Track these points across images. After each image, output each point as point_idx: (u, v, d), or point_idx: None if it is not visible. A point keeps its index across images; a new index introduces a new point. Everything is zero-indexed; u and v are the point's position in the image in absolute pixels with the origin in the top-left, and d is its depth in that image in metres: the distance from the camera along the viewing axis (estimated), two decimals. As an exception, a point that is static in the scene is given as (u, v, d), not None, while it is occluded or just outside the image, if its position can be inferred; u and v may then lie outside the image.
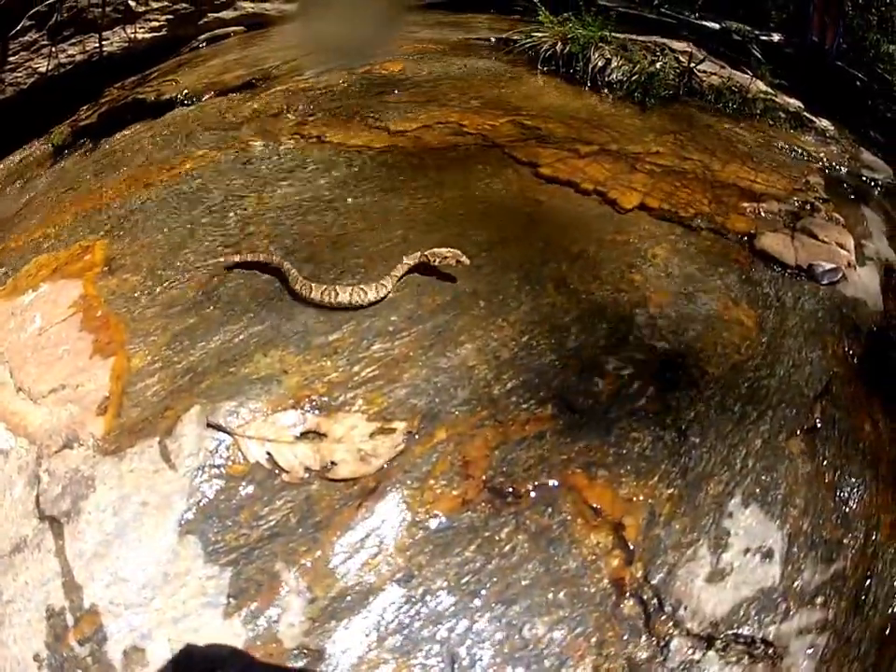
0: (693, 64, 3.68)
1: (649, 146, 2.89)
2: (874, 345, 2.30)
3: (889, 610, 1.67)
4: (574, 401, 1.57)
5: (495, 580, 1.11)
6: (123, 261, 2.11)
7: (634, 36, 3.89)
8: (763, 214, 2.61)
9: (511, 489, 1.24)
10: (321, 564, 1.11)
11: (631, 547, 1.27)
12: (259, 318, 1.77)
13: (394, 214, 2.29)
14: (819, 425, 1.79)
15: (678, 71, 3.67)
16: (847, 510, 1.69)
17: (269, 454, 1.25)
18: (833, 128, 3.70)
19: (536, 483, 1.28)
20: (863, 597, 1.63)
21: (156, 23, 3.92)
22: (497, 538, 1.16)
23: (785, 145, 3.44)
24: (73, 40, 3.72)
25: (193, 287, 1.94)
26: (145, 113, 3.60)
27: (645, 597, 1.31)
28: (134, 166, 3.05)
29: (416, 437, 1.31)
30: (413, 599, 1.05)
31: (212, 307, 1.83)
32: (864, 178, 3.46)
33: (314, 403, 1.42)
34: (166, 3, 3.90)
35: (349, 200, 2.37)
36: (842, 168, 3.42)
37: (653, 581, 1.35)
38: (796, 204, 2.78)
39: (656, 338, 1.89)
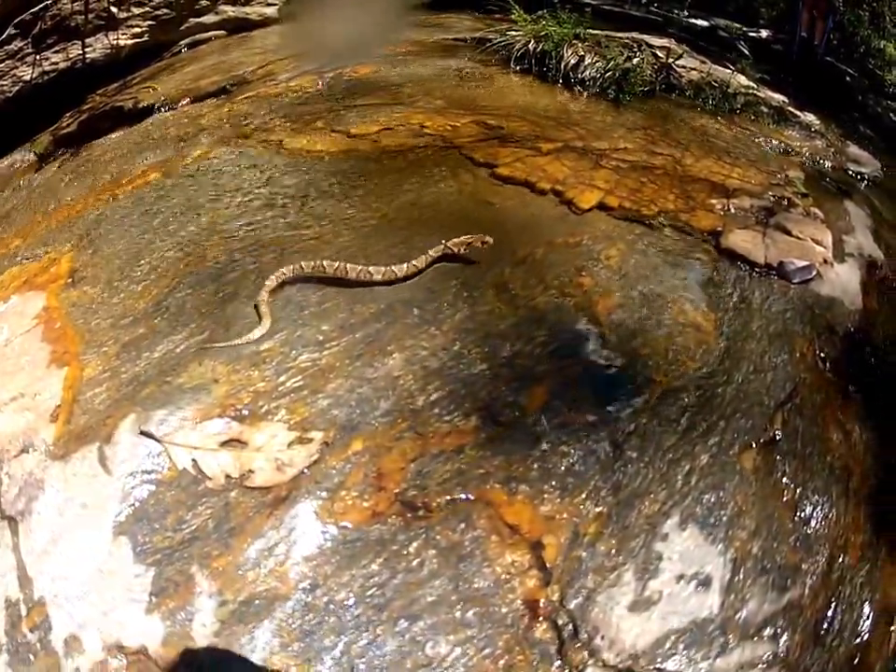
0: (671, 60, 3.46)
1: (617, 142, 2.69)
2: (850, 347, 2.07)
3: (858, 639, 1.47)
4: (500, 413, 1.44)
5: (400, 594, 1.05)
6: (85, 273, 2.08)
7: (612, 33, 3.69)
8: (733, 210, 2.40)
9: (422, 503, 1.17)
10: (232, 568, 1.10)
11: (549, 568, 1.15)
12: (200, 328, 1.73)
13: (342, 221, 2.17)
14: (778, 436, 1.59)
15: (655, 67, 3.46)
16: (809, 531, 1.48)
17: (194, 461, 1.25)
18: (818, 122, 3.46)
19: (449, 498, 1.20)
20: (825, 626, 1.43)
21: (138, 29, 3.83)
22: (405, 552, 1.10)
23: (766, 139, 3.21)
24: (56, 48, 3.63)
25: (145, 298, 1.90)
26: (123, 121, 3.49)
27: (560, 622, 1.17)
28: (105, 176, 2.95)
29: (332, 447, 1.27)
30: (317, 608, 1.02)
31: (159, 318, 1.80)
32: (850, 172, 3.21)
33: (238, 412, 1.40)
34: (148, 9, 3.81)
35: (302, 207, 2.27)
36: (826, 162, 3.18)
37: (569, 606, 1.20)
38: (771, 200, 2.55)
39: (598, 345, 1.71)
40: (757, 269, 2.11)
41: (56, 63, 3.65)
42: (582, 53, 3.27)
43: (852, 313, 2.17)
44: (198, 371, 1.55)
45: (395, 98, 3.01)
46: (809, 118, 3.46)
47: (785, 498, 1.50)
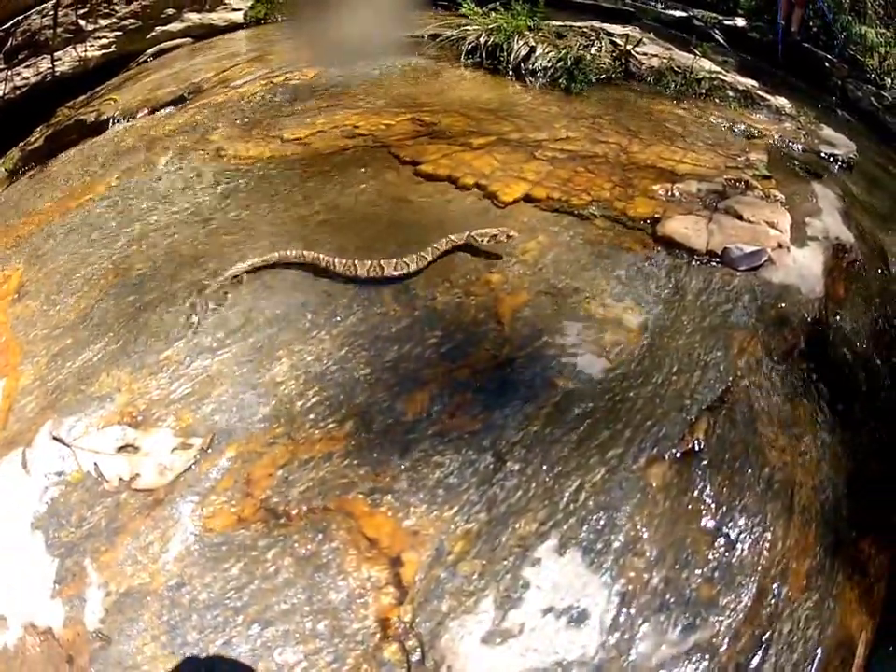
0: (630, 47, 3.19)
1: (558, 132, 2.44)
2: (807, 340, 1.78)
3: (802, 683, 1.19)
4: (374, 420, 1.31)
5: (256, 600, 1.02)
6: (30, 288, 2.06)
7: (571, 23, 3.44)
8: (677, 195, 2.12)
9: (283, 510, 1.12)
10: (115, 563, 1.14)
11: (405, 586, 1.04)
12: (116, 338, 1.70)
13: (262, 225, 2.04)
14: (700, 446, 1.31)
15: (614, 55, 3.19)
16: (732, 559, 1.20)
17: (96, 464, 1.33)
18: (790, 105, 3.12)
19: (309, 507, 1.13)
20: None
21: (105, 41, 3.75)
22: (263, 558, 1.07)
23: (730, 123, 2.90)
24: (27, 63, 3.58)
25: (75, 310, 1.87)
26: (85, 134, 3.40)
27: (408, 645, 1.04)
28: (61, 191, 2.86)
29: (208, 453, 1.26)
30: (182, 605, 1.03)
31: (83, 329, 1.77)
32: (822, 154, 2.87)
33: (134, 419, 1.42)
34: (115, 19, 3.74)
35: (228, 214, 2.15)
36: (796, 145, 2.85)
37: (420, 630, 1.06)
38: (725, 183, 2.26)
39: (496, 346, 1.49)
40: (697, 257, 1.83)
41: (27, 78, 3.59)
42: (533, 44, 3.03)
43: (811, 301, 1.86)
44: (106, 380, 1.55)
45: (337, 100, 2.82)
46: (780, 101, 3.13)
47: (703, 521, 1.22)
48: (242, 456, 1.26)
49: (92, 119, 3.48)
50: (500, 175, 2.12)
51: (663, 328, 1.57)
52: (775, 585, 1.21)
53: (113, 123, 3.31)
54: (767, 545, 1.23)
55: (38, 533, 1.26)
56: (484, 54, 3.09)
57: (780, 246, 1.99)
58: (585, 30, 3.31)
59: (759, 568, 1.21)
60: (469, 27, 3.20)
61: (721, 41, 4.12)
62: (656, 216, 1.97)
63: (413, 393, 1.39)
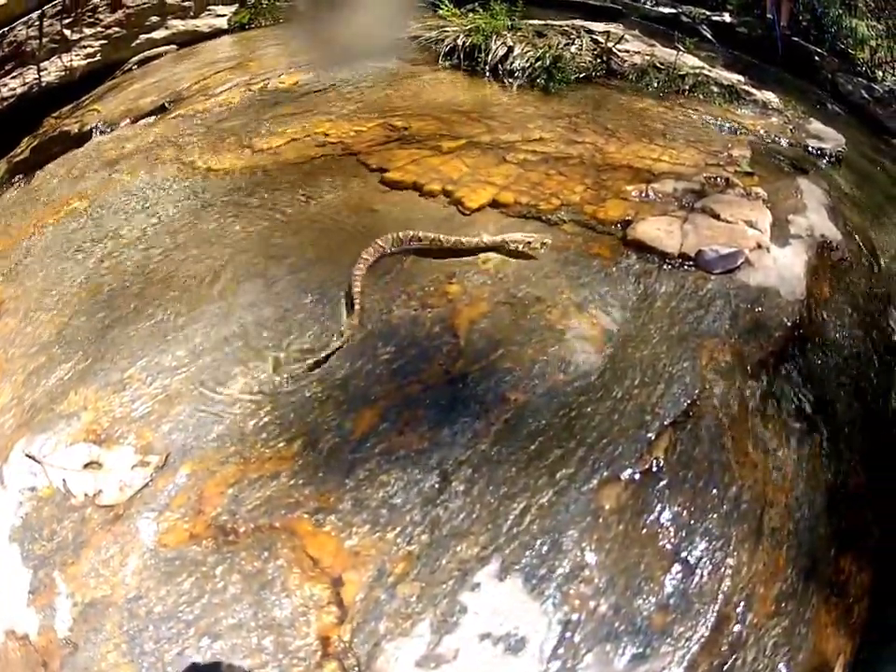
0: (611, 44, 3.08)
1: (532, 133, 2.34)
2: (786, 345, 1.67)
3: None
4: (321, 439, 1.27)
5: (206, 613, 1.05)
6: (9, 305, 2.03)
7: (552, 21, 3.33)
8: (651, 196, 2.01)
9: (232, 528, 1.13)
10: (80, 575, 1.17)
11: (345, 606, 1.03)
12: (85, 356, 1.67)
13: (225, 239, 1.99)
14: (659, 465, 1.22)
15: (595, 52, 3.09)
16: (690, 585, 1.11)
17: (64, 480, 1.37)
18: (776, 100, 2.99)
19: (255, 525, 1.14)
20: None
21: (90, 50, 3.67)
22: (213, 574, 1.09)
23: (714, 119, 2.78)
24: (14, 73, 3.50)
25: (50, 328, 1.83)
26: (69, 145, 3.36)
27: (347, 664, 1.03)
28: (40, 206, 2.84)
29: (164, 470, 1.29)
30: (139, 617, 1.06)
31: (57, 347, 1.74)
32: (810, 149, 2.74)
33: (98, 437, 1.43)
34: (99, 28, 3.66)
35: (196, 228, 2.09)
36: (782, 140, 2.73)
37: (358, 650, 1.04)
38: (703, 181, 2.16)
39: (449, 360, 1.41)
40: (669, 260, 1.73)
41: (14, 89, 3.51)
42: (511, 44, 2.93)
43: (791, 304, 1.75)
44: (74, 398, 1.54)
45: (312, 106, 2.75)
46: (767, 96, 3.00)
47: (659, 545, 1.13)
48: (195, 474, 1.27)
49: (76, 130, 3.43)
50: (468, 181, 2.03)
51: (627, 337, 1.48)
52: (738, 612, 1.12)
53: (95, 134, 3.28)
54: (730, 570, 1.14)
55: (15, 545, 1.30)
56: (462, 56, 3.00)
57: (759, 247, 1.88)
58: (566, 28, 3.20)
59: (720, 595, 1.11)
60: (447, 28, 3.11)
61: (709, 37, 3.98)
62: (628, 218, 1.87)
63: (361, 411, 1.34)
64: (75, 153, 3.18)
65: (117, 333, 1.69)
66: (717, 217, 1.96)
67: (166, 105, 3.28)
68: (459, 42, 3.01)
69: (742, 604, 1.14)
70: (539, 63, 2.86)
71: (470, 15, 3.12)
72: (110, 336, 1.69)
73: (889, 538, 1.60)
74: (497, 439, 1.26)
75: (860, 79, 3.36)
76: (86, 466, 1.37)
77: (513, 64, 2.89)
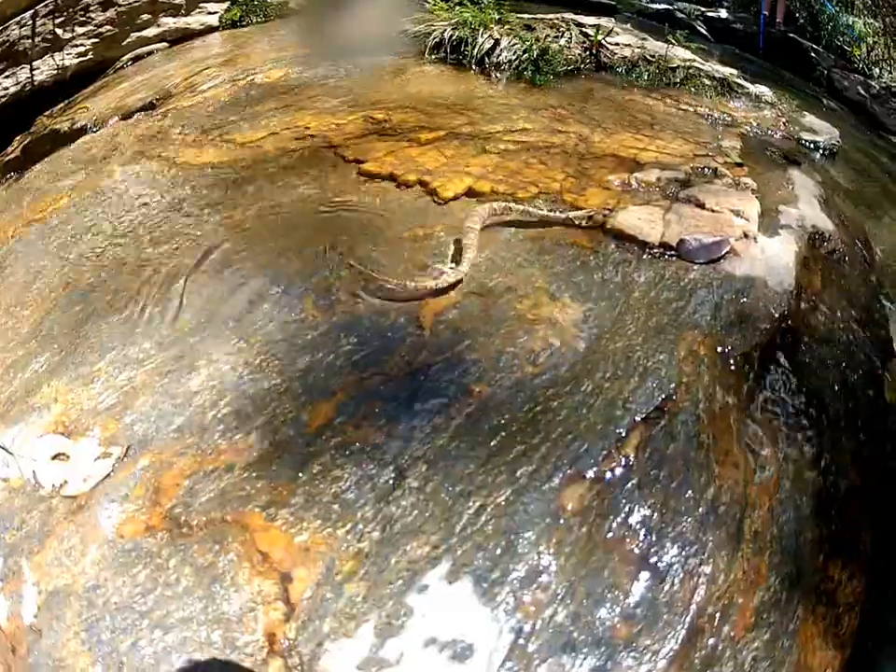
0: (601, 37, 2.98)
1: (515, 123, 2.24)
2: (772, 338, 1.55)
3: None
4: (278, 431, 1.23)
5: (159, 605, 1.04)
6: None
7: (542, 15, 3.24)
8: (634, 185, 1.91)
9: (185, 520, 1.12)
10: (44, 564, 1.17)
11: (293, 602, 0.99)
12: (59, 349, 1.65)
13: (199, 232, 1.93)
14: (628, 464, 1.11)
15: (584, 45, 2.99)
16: (660, 594, 1.00)
17: (34, 471, 1.37)
18: (770, 93, 2.88)
19: (208, 518, 1.11)
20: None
21: (82, 48, 3.63)
22: (166, 566, 1.07)
23: (706, 111, 2.67)
24: (7, 73, 3.48)
25: (29, 322, 1.81)
26: (59, 143, 3.32)
27: (291, 663, 0.98)
28: (29, 203, 2.79)
29: (125, 462, 1.27)
30: (97, 606, 1.06)
31: (35, 341, 1.72)
32: (804, 141, 2.63)
33: (66, 429, 1.42)
34: (91, 27, 3.62)
35: (173, 222, 2.03)
36: (775, 132, 2.62)
37: (301, 649, 0.99)
38: (689, 171, 2.05)
39: (412, 351, 1.32)
40: (649, 250, 1.62)
41: (7, 88, 3.49)
42: (498, 37, 2.84)
43: (780, 295, 1.63)
44: (47, 391, 1.53)
45: (295, 101, 2.67)
46: (760, 89, 2.88)
47: (626, 550, 1.02)
48: (154, 466, 1.25)
49: (66, 129, 3.38)
50: (445, 171, 1.93)
51: (601, 328, 1.37)
52: (713, 623, 1.01)
53: (85, 132, 3.24)
54: (705, 578, 1.03)
55: (-12, 534, 1.30)
56: (449, 49, 2.91)
57: (746, 236, 1.76)
58: (556, 21, 3.11)
59: (693, 605, 1.00)
60: (434, 22, 3.03)
61: (704, 32, 3.88)
62: (609, 207, 1.77)
63: (319, 403, 1.28)
64: (63, 151, 3.13)
65: (90, 327, 1.67)
66: (702, 206, 1.85)
67: (154, 101, 3.23)
68: (446, 36, 2.92)
69: (718, 615, 1.02)
70: (526, 55, 2.76)
71: (457, 9, 3.03)
72: (84, 330, 1.66)
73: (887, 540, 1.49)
74: (457, 433, 1.17)
75: (856, 76, 3.26)
76: (54, 457, 1.38)
77: (500, 57, 2.80)
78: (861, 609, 1.31)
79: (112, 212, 2.21)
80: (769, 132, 2.60)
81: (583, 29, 3.03)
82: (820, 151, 2.59)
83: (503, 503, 1.06)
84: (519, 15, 3.14)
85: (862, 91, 3.18)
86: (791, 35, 3.64)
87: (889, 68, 3.47)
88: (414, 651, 0.95)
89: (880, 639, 1.34)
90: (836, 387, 1.62)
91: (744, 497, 1.15)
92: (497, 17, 2.98)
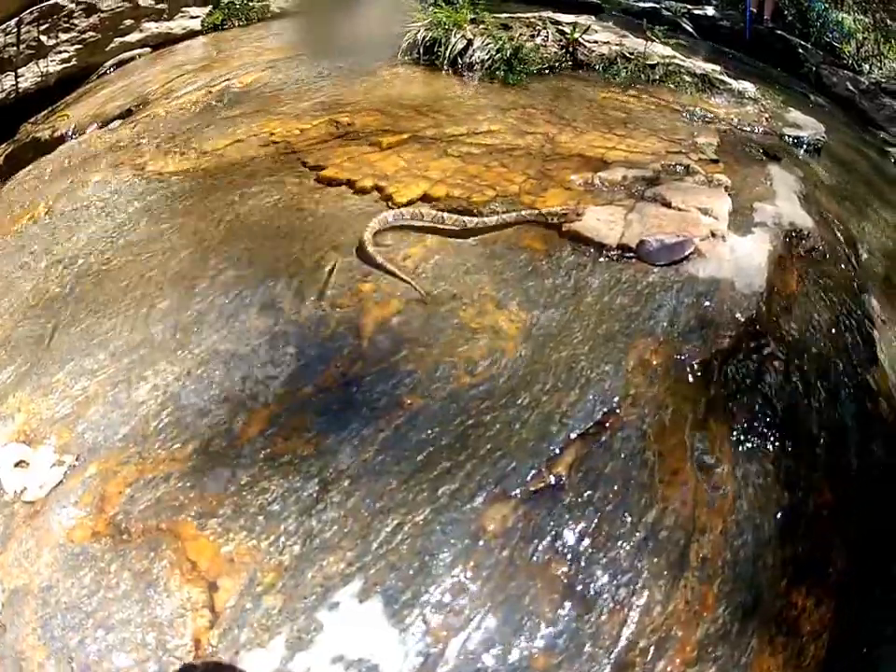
0: (577, 35, 2.90)
1: (480, 125, 2.17)
2: (736, 344, 1.45)
3: None
4: (212, 442, 1.24)
5: (102, 606, 1.08)
6: None
7: (520, 14, 3.17)
8: (597, 185, 1.82)
9: (125, 527, 1.16)
10: (6, 564, 1.21)
11: (217, 611, 1.02)
12: (25, 360, 1.66)
13: (157, 244, 1.91)
14: (559, 483, 1.03)
15: (561, 44, 2.91)
16: (586, 624, 0.92)
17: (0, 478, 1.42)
18: (753, 89, 2.77)
19: (145, 526, 1.16)
20: None
21: (66, 54, 3.63)
22: (108, 570, 1.12)
23: (683, 108, 2.58)
24: None
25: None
26: (41, 151, 3.30)
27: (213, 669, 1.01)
28: (6, 214, 2.79)
29: (76, 469, 1.31)
30: (50, 605, 1.11)
31: (3, 352, 1.72)
32: (787, 137, 2.52)
33: (27, 437, 1.45)
34: (75, 33, 3.62)
35: (138, 232, 2.01)
36: (756, 128, 2.51)
37: (221, 656, 1.01)
38: (658, 169, 1.95)
39: (347, 362, 1.28)
40: (606, 252, 1.53)
41: None
42: (471, 37, 2.77)
43: (748, 297, 1.53)
44: (11, 401, 1.56)
45: (264, 106, 2.62)
46: (743, 85, 2.77)
47: (551, 575, 0.94)
48: (101, 474, 1.29)
49: (48, 137, 3.36)
50: (403, 176, 1.86)
51: (547, 336, 1.29)
52: (645, 658, 0.92)
53: (65, 140, 3.23)
54: (638, 609, 0.94)
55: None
56: (422, 50, 2.85)
57: (713, 235, 1.67)
58: (532, 20, 3.03)
59: (623, 638, 0.91)
60: (409, 24, 2.97)
61: (690, 30, 3.78)
62: (570, 208, 1.68)
63: (252, 415, 1.27)
64: (43, 160, 3.12)
65: (55, 338, 1.68)
66: (668, 204, 1.75)
67: (132, 108, 3.22)
68: (419, 37, 2.86)
69: (652, 649, 0.93)
70: (499, 55, 2.69)
71: (431, 9, 2.97)
72: (47, 342, 1.67)
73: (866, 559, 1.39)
74: (383, 447, 1.13)
75: (845, 72, 3.15)
76: (16, 465, 1.43)
77: (473, 57, 2.72)
78: (831, 635, 1.20)
79: (82, 223, 2.19)
80: (750, 127, 2.49)
81: (560, 27, 2.95)
82: (804, 147, 2.47)
83: (421, 522, 1.01)
84: (496, 14, 3.06)
85: (851, 87, 3.07)
86: (780, 32, 3.53)
87: (878, 64, 3.36)
88: (321, 667, 0.93)
89: (853, 666, 1.24)
90: (810, 396, 1.51)
91: (691, 520, 1.06)
92: (471, 17, 2.91)
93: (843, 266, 1.99)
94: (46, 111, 3.66)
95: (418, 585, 0.97)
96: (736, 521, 1.13)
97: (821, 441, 1.44)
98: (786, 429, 1.37)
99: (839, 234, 2.11)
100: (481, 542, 0.99)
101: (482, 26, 2.87)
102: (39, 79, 3.61)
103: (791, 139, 2.49)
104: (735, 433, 1.27)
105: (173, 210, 2.07)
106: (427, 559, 0.98)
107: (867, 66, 3.40)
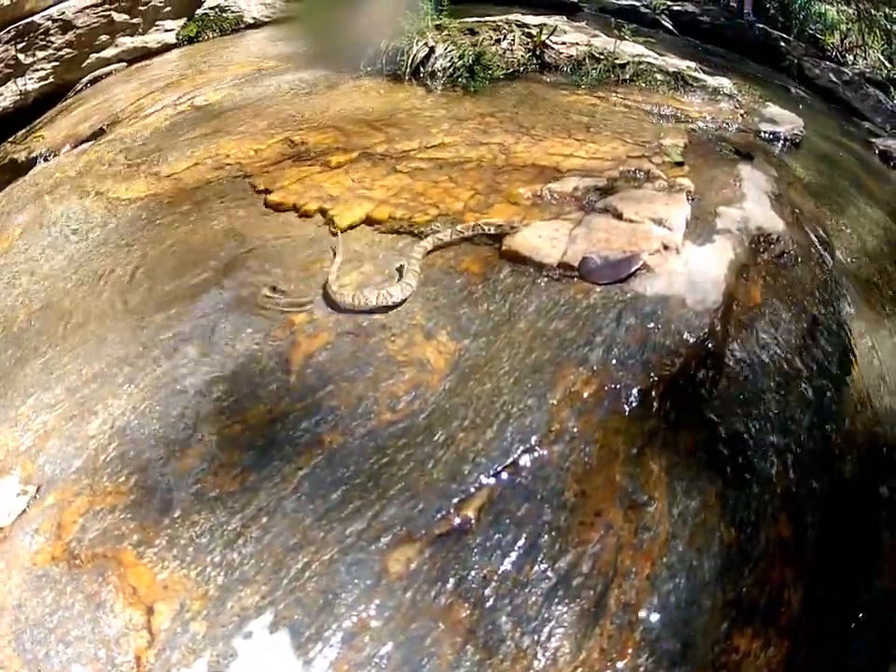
0: (544, 37, 2.84)
1: (434, 138, 2.13)
2: (680, 369, 1.38)
3: None
4: (150, 476, 1.34)
5: (61, 624, 1.19)
6: None
7: (487, 18, 3.12)
8: (547, 197, 1.77)
9: (78, 553, 1.27)
10: None
11: (153, 632, 1.13)
12: None
13: (113, 275, 1.94)
14: (467, 526, 0.99)
15: (528, 47, 2.86)
16: (487, 669, 0.88)
17: None
18: (729, 85, 2.68)
19: (94, 553, 1.26)
20: None
21: (43, 72, 3.67)
22: (65, 591, 1.22)
23: (653, 108, 2.50)
24: None
25: None
26: (18, 173, 3.33)
27: None
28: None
29: (37, 500, 1.41)
30: (20, 622, 1.21)
31: None
32: (763, 133, 2.43)
33: None
34: (51, 50, 3.66)
35: (92, 263, 2.04)
36: (730, 125, 2.43)
37: None
38: (615, 176, 1.89)
39: (275, 398, 1.31)
40: (546, 272, 1.48)
41: None
42: (433, 44, 2.74)
43: (700, 315, 1.46)
44: None
45: (224, 125, 2.61)
46: (718, 81, 2.68)
47: (453, 618, 0.92)
48: (58, 504, 1.38)
49: (23, 158, 3.38)
50: (347, 197, 1.83)
51: (474, 367, 1.25)
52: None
53: (39, 162, 3.27)
54: (544, 657, 0.90)
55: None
56: (385, 60, 2.83)
57: (665, 248, 1.60)
58: (499, 23, 2.98)
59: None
60: (371, 33, 2.95)
61: (669, 26, 3.69)
62: (514, 224, 1.64)
63: (186, 451, 1.34)
64: (18, 184, 3.16)
65: (18, 371, 1.73)
66: (619, 216, 1.69)
67: (104, 127, 3.24)
68: (382, 46, 2.84)
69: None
70: (461, 61, 2.65)
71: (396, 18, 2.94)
72: (14, 373, 1.72)
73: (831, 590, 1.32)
74: (301, 486, 1.18)
75: (828, 63, 3.06)
76: None
77: (435, 65, 2.69)
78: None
79: (47, 251, 2.22)
80: (724, 125, 2.41)
81: (527, 30, 2.90)
82: (781, 142, 2.38)
83: (328, 561, 1.06)
84: (462, 19, 3.02)
85: (834, 78, 2.97)
86: (761, 25, 3.43)
87: (863, 54, 3.25)
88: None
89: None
90: (769, 419, 1.43)
91: (612, 564, 1.01)
92: (435, 23, 2.88)
93: (816, 270, 1.90)
94: (24, 130, 3.69)
95: (322, 621, 1.02)
96: (667, 563, 1.07)
97: (779, 468, 1.37)
98: (735, 460, 1.31)
99: (814, 235, 2.02)
100: (384, 583, 1.01)
101: (444, 33, 2.84)
102: (18, 97, 3.65)
103: (767, 135, 2.40)
104: (674, 467, 1.21)
105: (128, 241, 2.09)
106: (331, 597, 1.03)
107: (851, 57, 3.32)
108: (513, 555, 0.99)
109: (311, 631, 1.01)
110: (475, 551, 1.00)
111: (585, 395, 1.22)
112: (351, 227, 1.72)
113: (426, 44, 2.74)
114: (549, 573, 0.98)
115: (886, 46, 3.26)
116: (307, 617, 1.02)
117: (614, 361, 1.30)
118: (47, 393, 1.60)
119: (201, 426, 1.36)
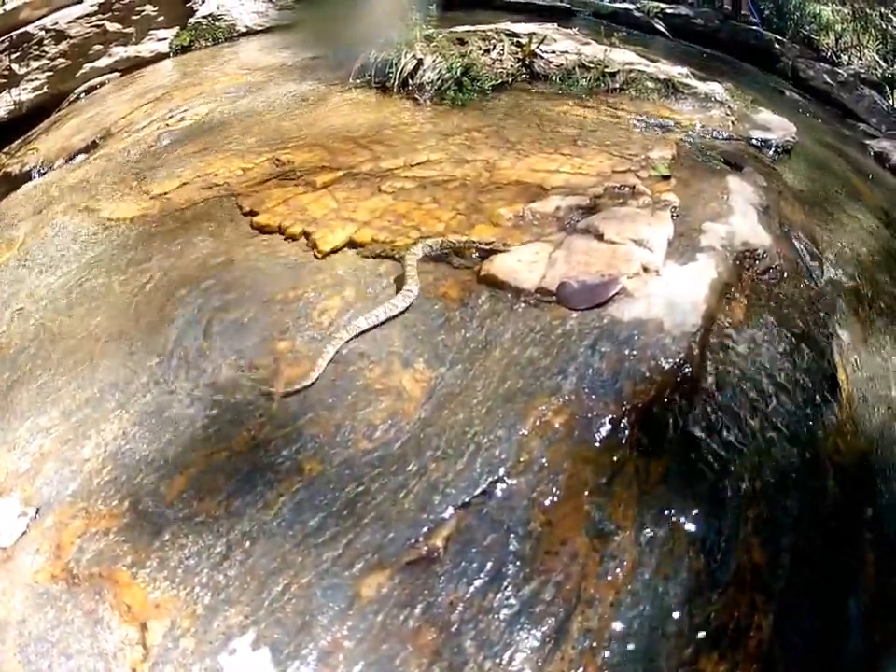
0: (534, 46, 2.90)
1: (419, 155, 2.20)
2: (655, 396, 1.41)
3: None
4: (142, 500, 1.43)
5: (61, 640, 1.28)
6: None
7: (478, 27, 3.19)
8: (528, 218, 1.84)
9: (77, 573, 1.37)
10: None
11: (148, 647, 1.23)
12: None
13: (105, 299, 2.03)
14: (436, 554, 1.07)
15: (517, 56, 2.92)
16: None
17: None
18: (721, 91, 2.74)
19: (90, 572, 1.36)
20: None
21: (37, 82, 3.80)
22: (66, 608, 1.32)
23: (644, 117, 2.57)
24: None
25: None
26: (12, 186, 3.41)
27: None
28: (-23, 258, 2.97)
29: (37, 521, 1.50)
30: (25, 635, 1.29)
31: None
32: (754, 141, 2.48)
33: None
34: (45, 60, 3.79)
35: (84, 286, 2.13)
36: (721, 134, 2.48)
37: None
38: (598, 194, 1.95)
39: (258, 426, 1.40)
40: (523, 298, 1.55)
41: None
42: (421, 56, 2.81)
43: (678, 339, 1.51)
44: None
45: (212, 143, 2.70)
46: (710, 87, 2.73)
47: (420, 642, 1.01)
48: (56, 526, 1.46)
49: (17, 171, 3.48)
50: (331, 219, 1.91)
51: (448, 396, 1.32)
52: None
53: (35, 175, 3.34)
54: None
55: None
56: (374, 72, 2.91)
57: (645, 270, 1.66)
58: (489, 33, 3.05)
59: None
60: (361, 45, 3.03)
61: (663, 30, 3.75)
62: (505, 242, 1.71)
63: (175, 476, 1.43)
64: (12, 198, 3.24)
65: (15, 394, 1.81)
66: (600, 237, 1.76)
67: (97, 140, 3.33)
68: (371, 58, 2.92)
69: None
70: (450, 73, 2.72)
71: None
72: (11, 396, 1.81)
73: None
74: (281, 512, 1.27)
75: (822, 65, 3.10)
76: None
77: (423, 78, 2.76)
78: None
79: (42, 272, 2.29)
80: (714, 134, 2.46)
81: (517, 39, 2.96)
82: (773, 150, 2.43)
83: (305, 584, 1.16)
84: (452, 29, 3.09)
85: (829, 80, 3.01)
86: (755, 27, 3.48)
87: (858, 55, 3.29)
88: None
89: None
90: (744, 443, 1.49)
91: (575, 592, 1.08)
92: (424, 34, 2.95)
93: (803, 285, 1.95)
94: (19, 141, 3.80)
95: (300, 641, 1.11)
96: (633, 590, 1.14)
97: (753, 493, 1.42)
98: (708, 486, 1.36)
99: (802, 248, 2.07)
100: (356, 606, 1.11)
101: (433, 44, 2.91)
102: (12, 108, 3.79)
103: (758, 142, 2.45)
104: (644, 496, 1.27)
105: (119, 262, 2.17)
106: (308, 618, 1.13)
107: (846, 58, 3.35)
108: (478, 583, 1.06)
109: (290, 649, 1.10)
110: (442, 578, 1.08)
111: (556, 424, 1.28)
112: (334, 251, 1.80)
113: (414, 56, 2.81)
114: (512, 600, 1.05)
115: (881, 45, 3.30)
116: (286, 636, 1.12)
117: (587, 390, 1.36)
118: (42, 416, 1.68)
119: (188, 453, 1.45)
